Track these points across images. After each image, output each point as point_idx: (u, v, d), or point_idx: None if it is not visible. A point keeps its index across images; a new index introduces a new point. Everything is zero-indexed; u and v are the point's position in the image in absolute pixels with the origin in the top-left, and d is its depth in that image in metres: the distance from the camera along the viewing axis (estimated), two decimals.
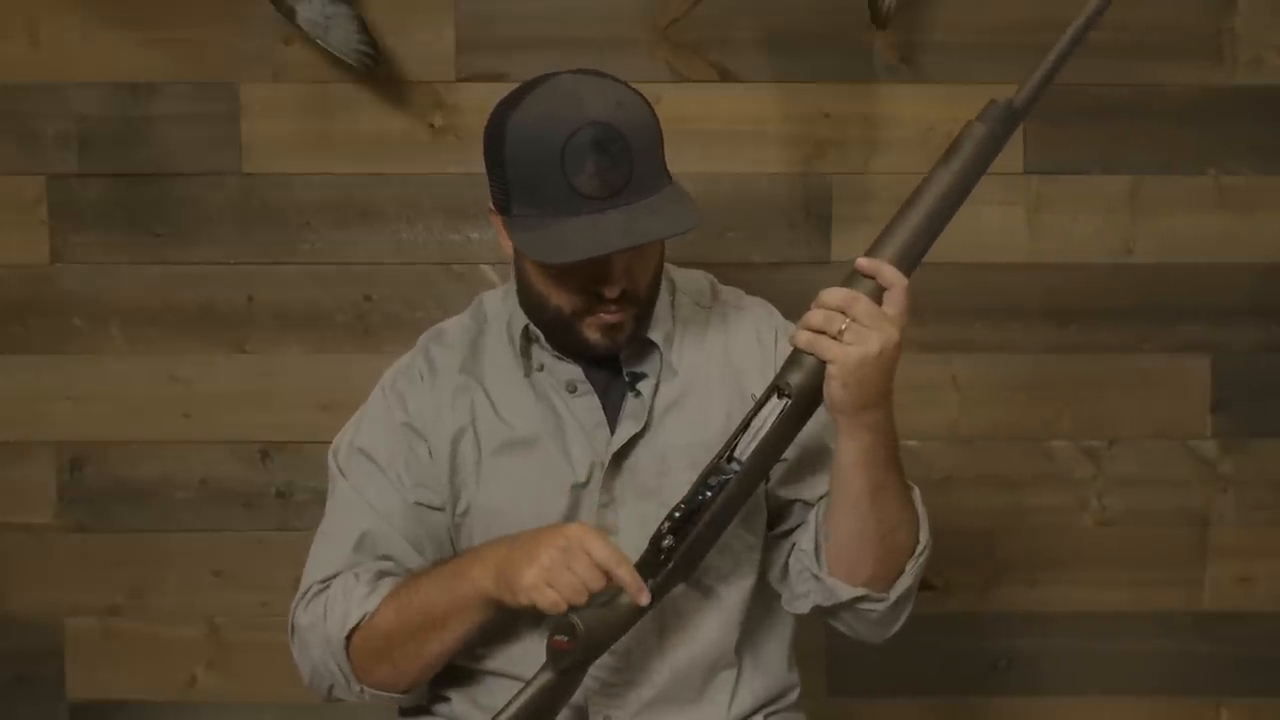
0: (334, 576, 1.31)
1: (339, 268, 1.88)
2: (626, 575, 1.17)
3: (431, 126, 1.85)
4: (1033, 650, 1.95)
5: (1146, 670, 1.95)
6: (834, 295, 1.15)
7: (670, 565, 1.20)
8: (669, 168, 1.30)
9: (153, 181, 1.86)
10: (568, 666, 1.20)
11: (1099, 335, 1.90)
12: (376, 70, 1.80)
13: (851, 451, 1.19)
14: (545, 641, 1.20)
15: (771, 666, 1.38)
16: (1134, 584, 1.94)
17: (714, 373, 1.34)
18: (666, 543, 1.19)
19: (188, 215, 1.86)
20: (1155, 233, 1.89)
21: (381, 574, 1.30)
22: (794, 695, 1.40)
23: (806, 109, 1.85)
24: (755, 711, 1.36)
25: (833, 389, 1.14)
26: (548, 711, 1.22)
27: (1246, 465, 1.92)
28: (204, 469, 1.90)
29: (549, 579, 1.16)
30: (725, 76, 1.85)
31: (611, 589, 1.19)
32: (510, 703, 1.21)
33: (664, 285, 1.35)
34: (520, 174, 1.22)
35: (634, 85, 1.28)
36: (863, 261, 1.16)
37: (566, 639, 1.18)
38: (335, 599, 1.29)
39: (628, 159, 1.19)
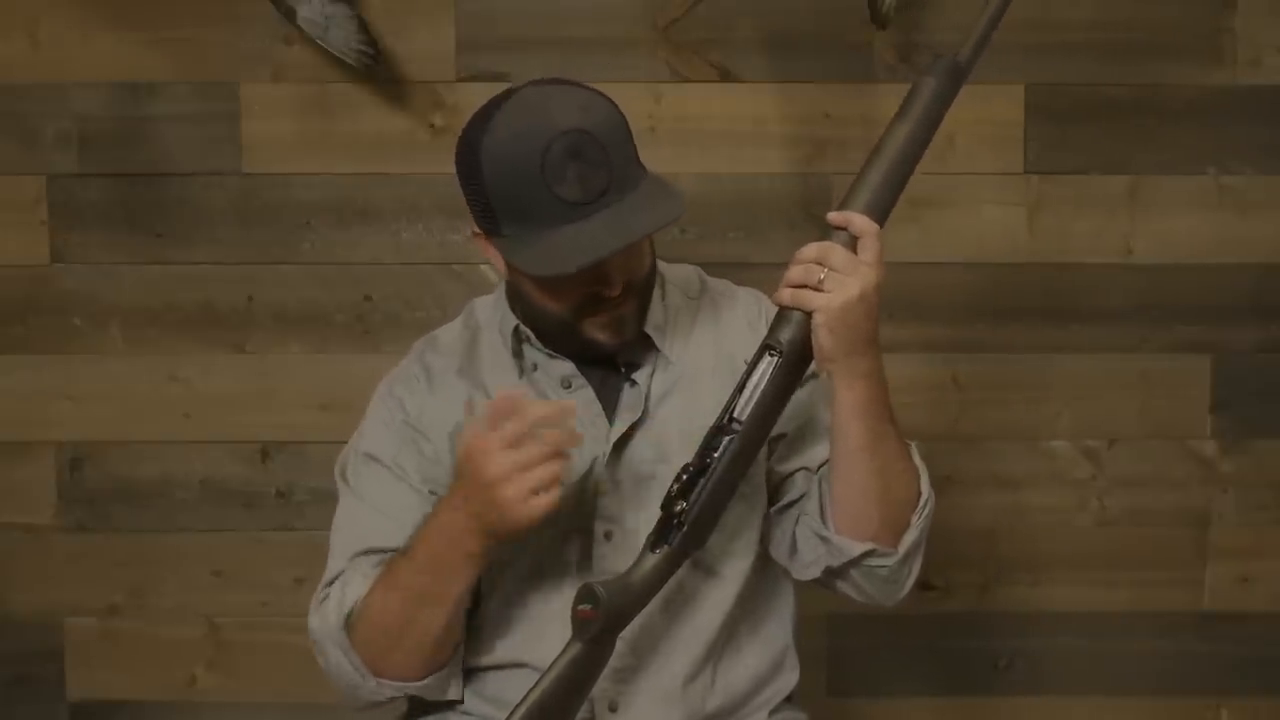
0: (339, 575, 1.32)
1: (339, 268, 1.88)
2: (545, 410, 1.16)
3: (431, 126, 1.85)
4: (1033, 650, 1.95)
5: (1146, 670, 1.95)
6: (810, 250, 1.20)
7: (684, 529, 1.22)
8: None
9: (153, 181, 1.86)
10: (594, 635, 1.21)
11: (1099, 335, 1.90)
12: (376, 70, 1.80)
13: (847, 402, 1.22)
14: (570, 614, 1.21)
15: (773, 644, 1.39)
16: (1134, 584, 1.94)
17: (707, 360, 1.36)
18: (679, 507, 1.21)
19: (188, 215, 1.86)
20: (1155, 233, 1.89)
21: (380, 565, 1.31)
22: (793, 677, 1.41)
23: (806, 109, 1.85)
24: (757, 687, 1.37)
25: (820, 337, 1.18)
26: (581, 684, 1.24)
27: (1246, 465, 1.93)
28: (204, 469, 1.90)
29: (528, 490, 1.14)
30: (725, 76, 1.85)
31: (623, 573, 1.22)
32: (543, 676, 1.22)
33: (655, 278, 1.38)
34: (504, 196, 1.23)
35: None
36: (833, 215, 1.22)
37: (590, 607, 1.20)
38: (335, 594, 1.30)
39: (605, 160, 1.21)
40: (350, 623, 1.28)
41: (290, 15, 1.75)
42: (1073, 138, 1.87)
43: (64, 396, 1.88)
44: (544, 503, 1.15)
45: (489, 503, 1.17)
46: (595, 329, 1.29)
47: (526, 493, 1.15)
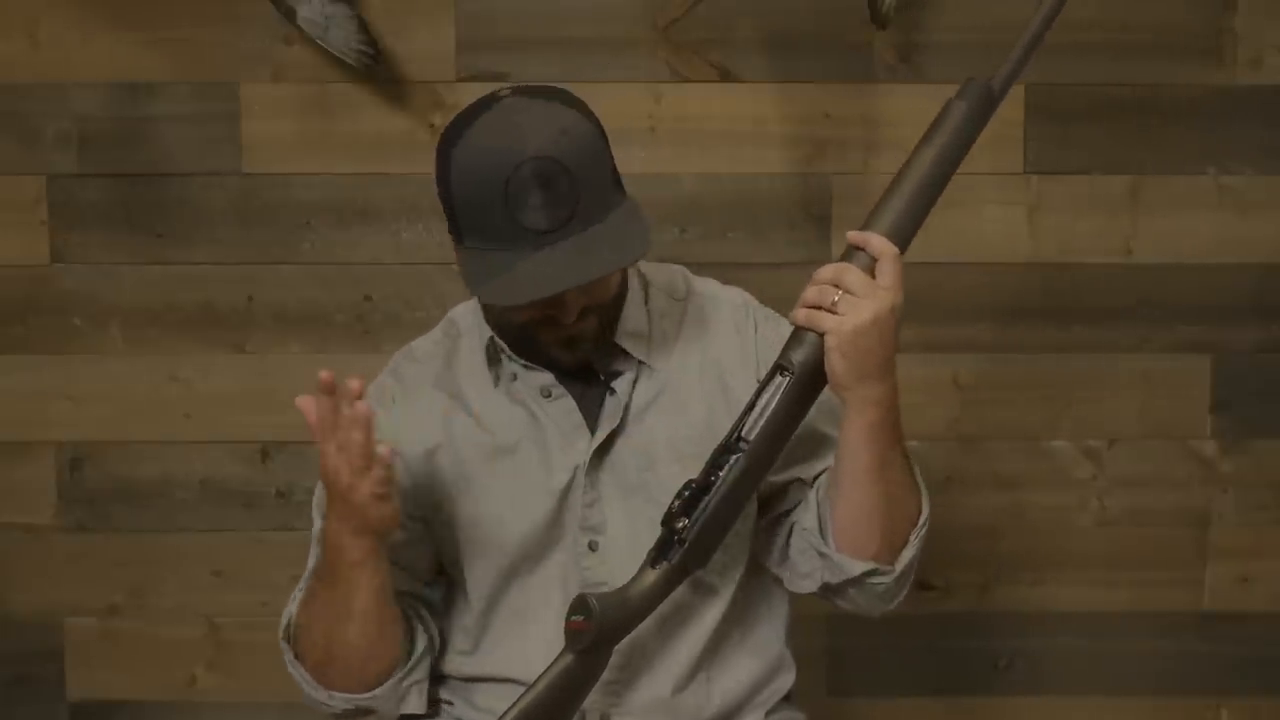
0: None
1: (339, 268, 1.88)
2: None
3: (431, 126, 1.84)
4: (1033, 650, 1.95)
5: (1146, 670, 1.95)
6: (826, 270, 1.18)
7: (685, 546, 1.21)
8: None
9: (153, 181, 1.86)
10: (586, 648, 1.21)
11: (1099, 335, 1.90)
12: (376, 70, 1.80)
13: (858, 427, 1.20)
14: (563, 625, 1.21)
15: (765, 650, 1.38)
16: (1134, 584, 1.94)
17: (693, 366, 1.34)
18: (680, 524, 1.20)
19: (188, 215, 1.86)
20: (1155, 233, 1.89)
21: None
22: (789, 679, 1.40)
23: (806, 109, 1.85)
24: (750, 694, 1.36)
25: (832, 361, 1.16)
26: (573, 694, 1.23)
27: (1246, 465, 1.93)
28: (204, 469, 1.90)
29: (355, 467, 1.16)
30: (725, 76, 1.85)
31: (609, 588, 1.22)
32: (534, 684, 1.21)
33: (637, 282, 1.35)
34: (467, 210, 1.21)
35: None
36: (852, 234, 1.19)
37: (583, 619, 1.20)
38: (287, 611, 1.32)
39: (573, 190, 1.18)
40: (291, 639, 1.30)
41: (290, 15, 1.75)
42: (1073, 137, 1.87)
43: (64, 396, 1.88)
44: (373, 477, 1.16)
45: (342, 500, 1.18)
46: (549, 344, 1.27)
47: (356, 469, 1.16)
